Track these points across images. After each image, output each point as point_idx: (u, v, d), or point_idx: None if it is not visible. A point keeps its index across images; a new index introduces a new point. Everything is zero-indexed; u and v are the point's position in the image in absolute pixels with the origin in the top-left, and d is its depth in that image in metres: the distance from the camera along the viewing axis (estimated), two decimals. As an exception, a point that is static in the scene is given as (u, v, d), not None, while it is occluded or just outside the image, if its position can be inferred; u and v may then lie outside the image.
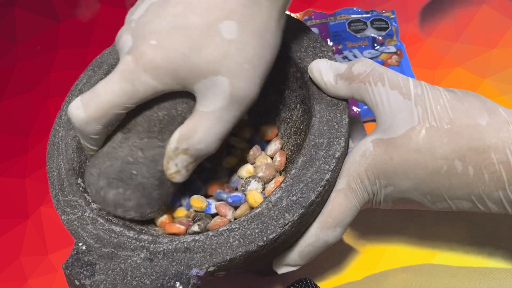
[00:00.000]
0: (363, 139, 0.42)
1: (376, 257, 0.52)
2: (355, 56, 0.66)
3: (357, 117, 0.50)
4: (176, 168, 0.42)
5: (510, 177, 0.37)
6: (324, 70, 0.43)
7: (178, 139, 0.40)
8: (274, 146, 0.50)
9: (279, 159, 0.48)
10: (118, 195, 0.43)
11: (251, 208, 0.44)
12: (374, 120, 0.62)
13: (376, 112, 0.41)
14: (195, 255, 0.38)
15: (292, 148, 0.49)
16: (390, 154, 0.40)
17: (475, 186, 0.38)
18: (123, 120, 0.42)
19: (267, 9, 0.40)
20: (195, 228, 0.44)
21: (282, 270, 0.44)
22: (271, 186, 0.46)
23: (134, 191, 0.43)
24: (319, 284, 0.50)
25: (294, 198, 0.39)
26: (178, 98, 0.41)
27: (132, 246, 0.40)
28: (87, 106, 0.39)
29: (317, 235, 0.42)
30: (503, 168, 0.37)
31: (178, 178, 0.43)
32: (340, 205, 0.41)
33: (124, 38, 0.40)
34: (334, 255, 0.52)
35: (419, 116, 0.39)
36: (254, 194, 0.44)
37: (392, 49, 0.66)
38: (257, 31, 0.40)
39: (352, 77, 0.42)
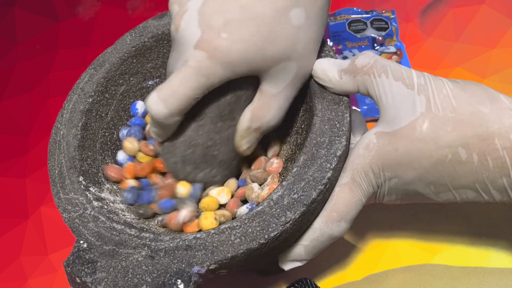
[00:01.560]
0: (366, 132, 0.42)
1: (377, 256, 0.52)
2: (355, 56, 0.66)
3: (357, 110, 0.50)
4: (248, 144, 0.45)
5: None
6: (327, 68, 0.44)
7: (251, 119, 0.44)
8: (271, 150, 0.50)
9: (277, 161, 0.48)
10: (206, 175, 0.47)
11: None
12: (374, 120, 0.62)
13: (380, 104, 0.42)
14: (196, 253, 0.38)
15: (294, 147, 0.49)
16: (394, 145, 0.40)
17: (479, 173, 0.39)
18: (193, 109, 0.44)
19: None
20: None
21: (288, 266, 0.44)
22: (265, 191, 0.46)
23: (218, 168, 0.47)
24: (319, 284, 0.50)
25: (296, 196, 0.39)
26: (241, 78, 0.42)
27: (133, 244, 0.40)
28: (167, 102, 0.41)
29: (321, 229, 0.42)
30: (507, 154, 0.37)
31: (249, 152, 0.46)
32: (345, 199, 0.41)
33: (187, 28, 0.41)
34: (334, 255, 0.52)
35: (422, 105, 0.39)
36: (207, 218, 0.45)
37: (392, 49, 0.66)
38: (318, 14, 0.42)
39: (356, 70, 0.42)
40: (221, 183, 0.48)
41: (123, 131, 0.52)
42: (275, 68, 0.41)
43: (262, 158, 0.49)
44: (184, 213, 0.44)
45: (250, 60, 0.40)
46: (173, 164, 0.46)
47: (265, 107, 0.43)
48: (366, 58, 0.42)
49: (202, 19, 0.40)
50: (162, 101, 0.41)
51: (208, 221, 0.43)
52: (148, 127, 0.52)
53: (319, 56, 0.46)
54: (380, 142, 0.41)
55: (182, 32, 0.41)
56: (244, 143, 0.45)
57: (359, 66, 0.42)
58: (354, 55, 0.66)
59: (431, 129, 0.39)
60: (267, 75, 0.42)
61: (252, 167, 0.49)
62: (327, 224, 0.42)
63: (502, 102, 0.39)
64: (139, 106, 0.53)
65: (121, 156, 0.50)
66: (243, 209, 0.45)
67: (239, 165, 0.49)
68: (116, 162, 0.51)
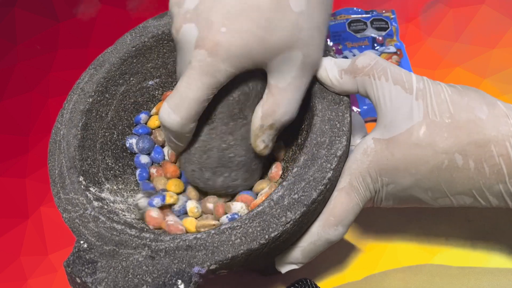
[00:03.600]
0: (364, 137, 0.42)
1: (376, 257, 0.52)
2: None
3: (357, 114, 0.50)
4: (264, 143, 0.44)
5: (510, 170, 0.37)
6: (329, 67, 0.43)
7: (262, 116, 0.42)
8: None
9: (275, 170, 0.48)
10: (226, 179, 0.46)
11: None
12: (374, 120, 0.62)
13: (378, 107, 0.42)
14: (197, 253, 0.38)
15: (294, 147, 0.49)
16: (391, 150, 0.40)
17: (476, 180, 0.39)
18: (203, 113, 0.42)
19: None
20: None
21: (284, 268, 0.44)
22: (258, 199, 0.46)
23: (237, 170, 0.46)
24: (319, 284, 0.50)
25: (296, 196, 0.39)
26: (246, 74, 0.41)
27: (133, 244, 0.40)
28: (178, 110, 0.40)
29: (319, 234, 0.42)
30: (503, 161, 0.37)
31: (267, 151, 0.45)
32: (342, 203, 0.41)
33: (186, 28, 0.40)
34: (334, 255, 0.52)
35: (420, 111, 0.39)
36: (190, 221, 0.45)
37: (392, 49, 0.66)
38: None
39: (357, 70, 0.42)
40: (244, 186, 0.47)
41: (129, 140, 0.52)
42: (279, 59, 0.40)
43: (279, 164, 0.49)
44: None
45: (252, 52, 0.39)
46: (191, 172, 0.46)
47: (275, 103, 0.41)
48: (367, 58, 0.42)
49: (199, 17, 0.39)
50: (172, 110, 0.40)
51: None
52: (155, 133, 0.52)
53: None
54: (377, 147, 0.41)
55: (182, 34, 0.40)
56: (259, 143, 0.44)
57: (360, 67, 0.42)
58: (354, 55, 0.66)
59: (427, 135, 0.39)
60: (272, 67, 0.40)
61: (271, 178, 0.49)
62: (324, 229, 0.42)
63: (500, 109, 0.39)
64: (143, 117, 0.53)
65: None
66: (223, 219, 0.45)
67: (261, 167, 0.48)
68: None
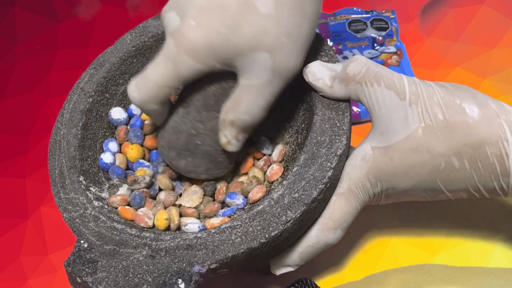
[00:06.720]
0: (362, 143, 0.43)
1: (376, 257, 0.52)
2: (355, 56, 0.66)
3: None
4: (226, 138, 0.44)
5: (503, 169, 0.39)
6: (318, 73, 0.43)
7: (225, 111, 0.42)
8: (277, 150, 0.50)
9: (277, 167, 0.48)
10: (188, 163, 0.46)
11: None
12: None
13: (373, 114, 0.42)
14: (197, 252, 0.38)
15: (294, 146, 0.49)
16: (390, 156, 0.41)
17: (471, 178, 0.40)
18: (183, 95, 0.45)
19: None
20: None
21: (280, 271, 0.44)
22: (257, 195, 0.46)
23: (202, 158, 0.46)
24: (319, 284, 0.50)
25: (296, 195, 0.39)
26: (227, 74, 0.42)
27: (134, 243, 0.40)
28: (139, 88, 0.42)
29: (317, 237, 0.42)
30: (497, 161, 0.38)
31: (231, 148, 0.44)
32: (341, 208, 0.42)
33: (169, 15, 0.41)
34: (334, 255, 0.52)
35: (414, 116, 0.40)
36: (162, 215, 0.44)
37: (392, 49, 0.66)
38: (294, 3, 0.39)
39: (348, 78, 0.42)
40: (207, 175, 0.47)
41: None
42: (245, 59, 0.39)
43: (250, 160, 0.49)
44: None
45: (215, 49, 0.39)
46: (161, 147, 0.47)
47: (236, 99, 0.41)
48: (358, 66, 0.42)
49: (179, 4, 0.40)
50: (136, 87, 0.42)
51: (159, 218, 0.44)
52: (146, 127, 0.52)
53: (320, 54, 0.46)
54: (376, 153, 0.41)
55: (165, 19, 0.41)
56: (222, 136, 0.44)
57: (351, 75, 0.42)
58: (354, 55, 0.66)
59: (424, 139, 0.39)
60: (239, 67, 0.40)
61: (241, 170, 0.49)
62: (323, 232, 0.42)
63: (491, 109, 0.39)
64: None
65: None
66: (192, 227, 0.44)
67: (228, 161, 0.47)
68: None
